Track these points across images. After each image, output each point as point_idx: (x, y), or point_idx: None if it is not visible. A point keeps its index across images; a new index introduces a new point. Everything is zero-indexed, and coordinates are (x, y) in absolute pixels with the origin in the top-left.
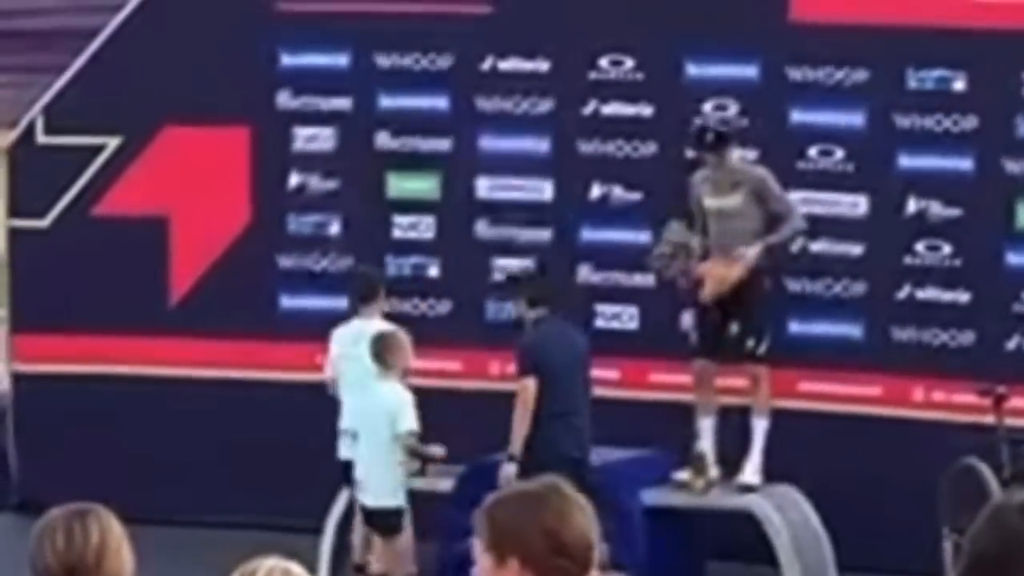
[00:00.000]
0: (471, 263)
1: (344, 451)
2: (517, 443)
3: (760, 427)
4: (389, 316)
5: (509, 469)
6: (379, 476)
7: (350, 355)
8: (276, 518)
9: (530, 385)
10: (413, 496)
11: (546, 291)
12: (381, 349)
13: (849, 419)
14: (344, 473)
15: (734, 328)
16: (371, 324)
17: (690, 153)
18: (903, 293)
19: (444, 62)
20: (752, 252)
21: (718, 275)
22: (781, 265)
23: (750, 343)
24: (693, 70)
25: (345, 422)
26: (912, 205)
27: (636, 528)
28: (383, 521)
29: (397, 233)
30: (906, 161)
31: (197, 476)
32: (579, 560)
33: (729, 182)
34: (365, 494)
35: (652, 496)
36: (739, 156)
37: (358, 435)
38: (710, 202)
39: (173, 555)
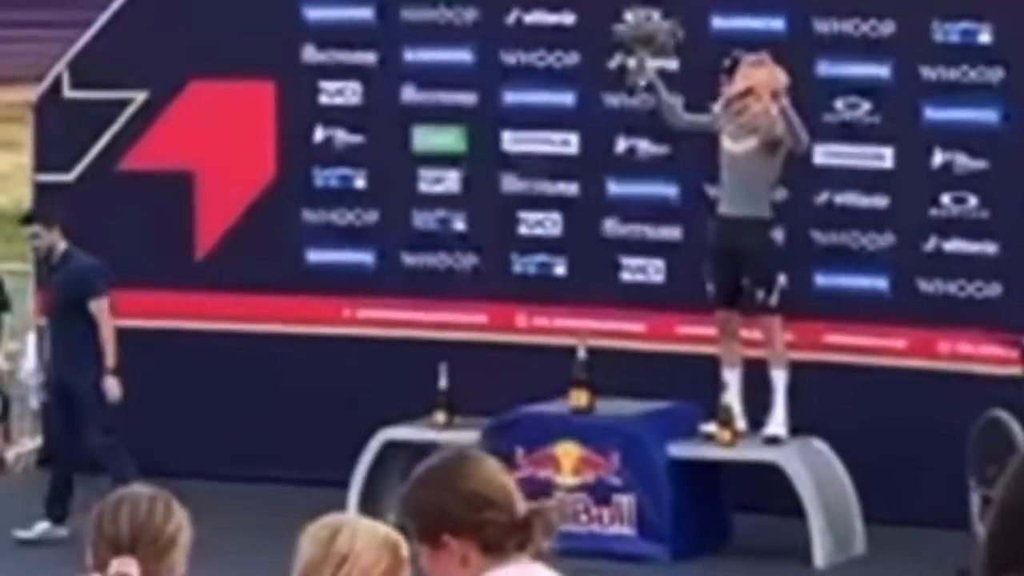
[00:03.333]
0: (497, 217)
1: None
2: (111, 356)
3: (780, 378)
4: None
5: (112, 382)
6: None
7: None
8: (301, 472)
9: (105, 305)
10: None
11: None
12: None
13: (875, 371)
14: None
15: (746, 281)
16: None
17: (716, 108)
18: (929, 245)
19: (469, 15)
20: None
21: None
22: (803, 217)
23: (760, 294)
24: (719, 22)
25: None
26: (938, 157)
27: (662, 480)
28: None
29: (423, 187)
30: (932, 113)
31: (220, 430)
32: (505, 508)
33: (749, 128)
34: None
35: (678, 448)
36: (763, 106)
37: None
38: (727, 145)
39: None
